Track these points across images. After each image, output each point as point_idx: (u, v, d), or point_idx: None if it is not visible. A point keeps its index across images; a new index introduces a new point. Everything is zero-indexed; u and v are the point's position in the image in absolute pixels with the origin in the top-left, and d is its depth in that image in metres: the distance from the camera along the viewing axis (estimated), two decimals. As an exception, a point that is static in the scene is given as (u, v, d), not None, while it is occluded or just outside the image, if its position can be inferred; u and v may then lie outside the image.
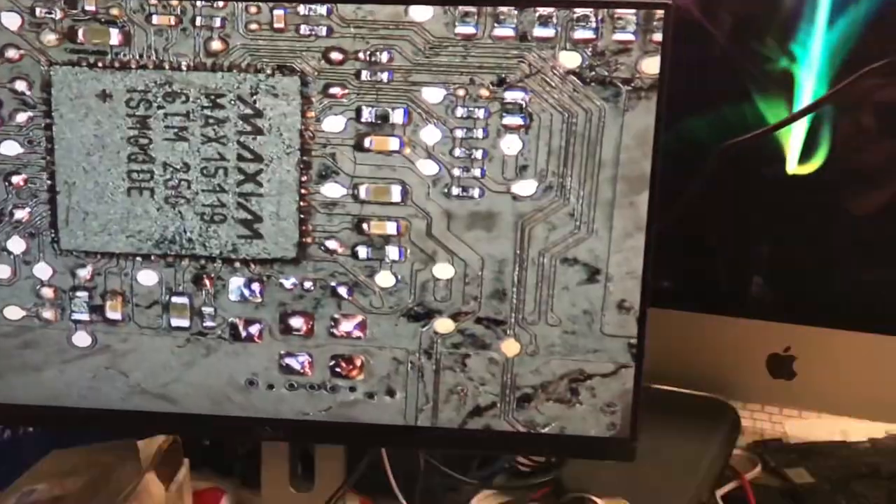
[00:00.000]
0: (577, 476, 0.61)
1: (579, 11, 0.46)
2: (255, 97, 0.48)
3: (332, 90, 0.48)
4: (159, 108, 0.48)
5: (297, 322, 0.50)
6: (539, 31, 0.46)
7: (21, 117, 0.49)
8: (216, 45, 0.47)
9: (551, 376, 0.50)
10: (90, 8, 0.48)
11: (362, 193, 0.49)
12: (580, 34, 0.46)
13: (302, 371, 0.51)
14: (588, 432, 0.50)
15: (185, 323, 0.51)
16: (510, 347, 0.50)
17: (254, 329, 0.51)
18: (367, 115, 0.48)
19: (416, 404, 0.51)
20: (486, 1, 0.46)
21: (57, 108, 0.49)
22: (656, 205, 0.48)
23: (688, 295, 0.71)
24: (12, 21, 0.48)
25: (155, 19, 0.48)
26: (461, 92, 0.47)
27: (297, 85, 0.48)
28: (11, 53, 0.48)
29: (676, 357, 0.72)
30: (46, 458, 0.57)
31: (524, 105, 0.47)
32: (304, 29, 0.47)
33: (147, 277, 0.50)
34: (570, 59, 0.47)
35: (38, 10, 0.47)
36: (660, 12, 0.46)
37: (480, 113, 0.47)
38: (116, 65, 0.48)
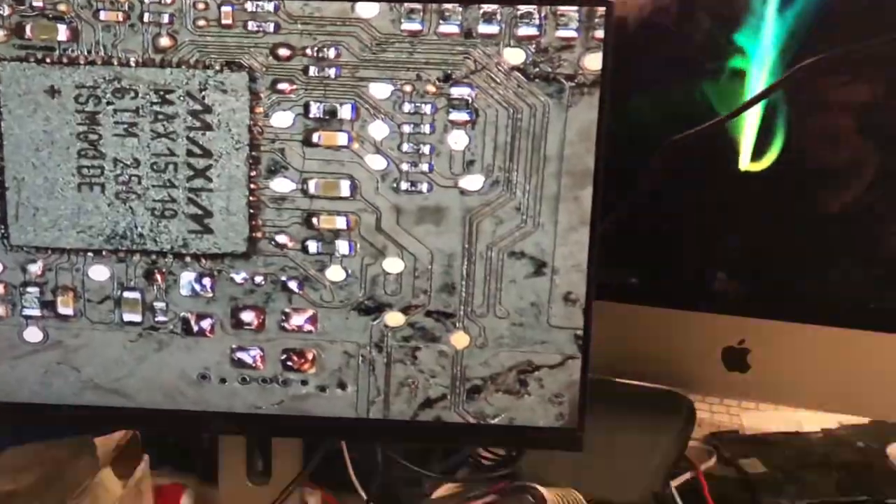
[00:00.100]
0: (533, 468, 0.62)
1: (523, 8, 0.47)
2: (203, 93, 0.48)
3: (281, 86, 0.48)
4: (108, 103, 0.48)
5: (248, 316, 0.51)
6: (483, 28, 0.47)
7: (-30, 113, 0.50)
8: (164, 41, 0.48)
9: (500, 368, 0.51)
10: (38, 4, 0.48)
11: (311, 188, 0.49)
12: (524, 31, 0.47)
13: (254, 365, 0.52)
14: (537, 423, 0.51)
15: (137, 318, 0.51)
16: (460, 340, 0.51)
17: (205, 323, 0.51)
18: (316, 110, 0.48)
19: (367, 397, 0.52)
20: (432, -2, 0.47)
21: (5, 104, 0.49)
22: (600, 199, 0.49)
23: (644, 289, 0.73)
24: (-40, 17, 0.48)
25: (103, 15, 0.48)
26: (408, 88, 0.48)
27: (245, 81, 0.48)
28: (-41, 49, 0.49)
29: (633, 351, 0.73)
30: None
31: (470, 101, 0.48)
32: (251, 25, 0.48)
33: (98, 273, 0.51)
34: (514, 56, 0.47)
35: (-15, 7, 0.48)
36: (601, 9, 0.47)
37: (427, 108, 0.48)
38: (65, 60, 0.48)
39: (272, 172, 0.49)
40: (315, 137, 0.49)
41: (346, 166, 0.49)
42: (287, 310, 0.51)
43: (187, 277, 0.51)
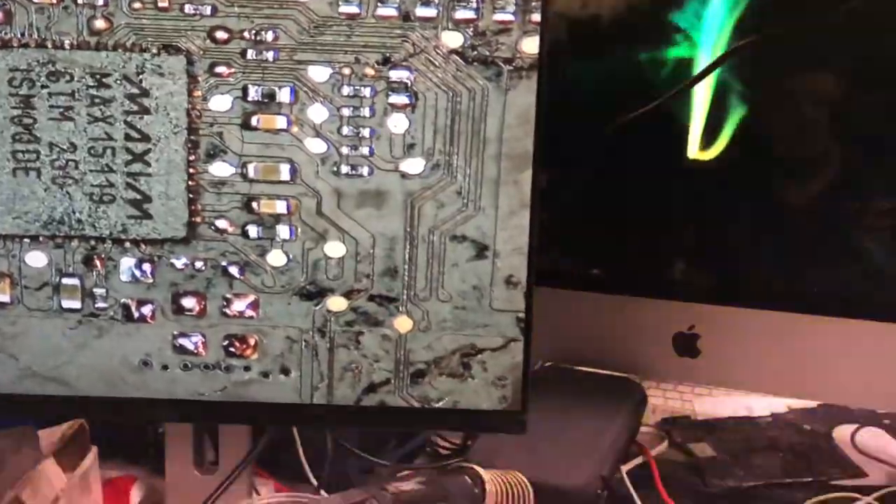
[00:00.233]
0: (484, 453, 0.62)
1: (460, -9, 0.47)
2: (141, 76, 0.48)
3: (218, 69, 0.48)
4: (43, 87, 0.48)
5: (189, 302, 0.50)
6: (421, 11, 0.47)
7: None
8: (100, 23, 0.47)
9: (443, 351, 0.51)
10: (-31, -15, 0.48)
11: (251, 172, 0.49)
12: (461, 14, 0.47)
13: (196, 351, 0.51)
14: (480, 406, 0.51)
15: (76, 304, 0.50)
16: (403, 324, 0.51)
17: (146, 310, 0.50)
18: (254, 93, 0.48)
19: (310, 382, 0.51)
20: (369, -20, 0.47)
21: (-63, 88, 0.48)
22: (539, 182, 0.49)
23: (595, 276, 0.73)
24: None
25: (36, -3, 0.48)
26: (347, 71, 0.48)
27: (182, 64, 0.48)
28: None
29: (586, 337, 0.74)
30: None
31: (409, 84, 0.48)
32: (188, 8, 0.47)
33: (36, 259, 0.50)
34: (452, 39, 0.47)
35: (-85, -12, 0.47)
36: (538, -7, 0.47)
37: (367, 91, 0.48)
38: (-2, 43, 0.48)
39: (211, 156, 0.49)
40: (254, 121, 0.48)
41: (286, 150, 0.49)
42: (228, 295, 0.50)
43: (127, 263, 0.50)
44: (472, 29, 0.47)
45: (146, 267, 0.50)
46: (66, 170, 0.49)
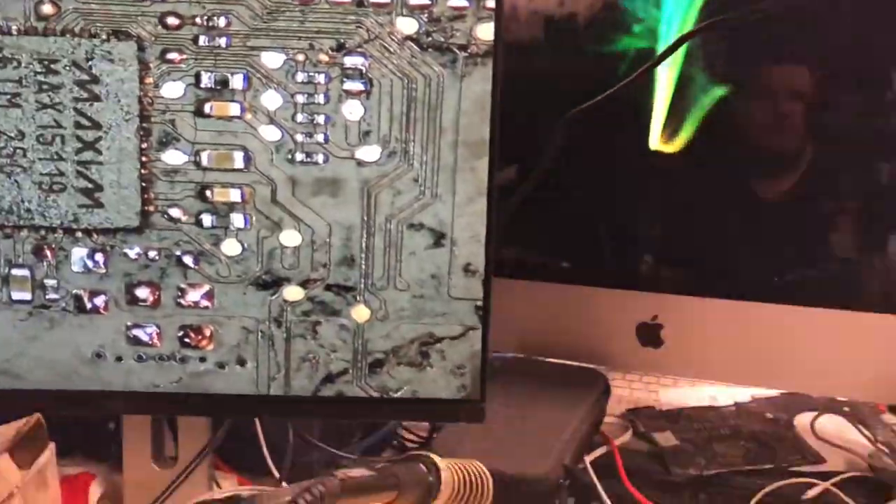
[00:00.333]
0: (447, 444, 0.62)
1: (414, -23, 0.47)
2: (90, 63, 0.47)
3: (170, 55, 0.47)
4: (-10, 73, 0.48)
5: (143, 292, 0.50)
6: (375, -3, 0.47)
7: None
8: (47, 8, 0.46)
9: (402, 341, 0.51)
10: (-88, -31, 0.47)
11: (204, 160, 0.48)
12: (416, 0, 0.47)
13: (150, 342, 0.50)
14: (439, 395, 0.51)
15: (26, 296, 0.49)
16: (360, 313, 0.50)
17: (99, 300, 0.50)
18: (207, 80, 0.47)
19: (267, 373, 0.51)
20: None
21: None
22: (496, 170, 0.49)
23: (559, 267, 0.74)
24: None
25: (-19, -19, 0.47)
26: (301, 57, 0.47)
27: (133, 50, 0.47)
28: None
29: (551, 328, 0.74)
30: None
31: (364, 70, 0.48)
32: (138, -7, 0.47)
33: (-16, 249, 0.50)
34: (407, 25, 0.47)
35: None
36: (492, -21, 0.47)
37: (321, 78, 0.48)
38: (-58, 29, 0.47)
39: (164, 144, 0.48)
40: (207, 108, 0.48)
41: (240, 137, 0.48)
42: (183, 285, 0.50)
43: (79, 253, 0.49)
44: (426, 15, 0.47)
45: (98, 257, 0.49)
46: (13, 158, 0.48)
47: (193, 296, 0.50)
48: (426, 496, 0.42)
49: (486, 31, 0.47)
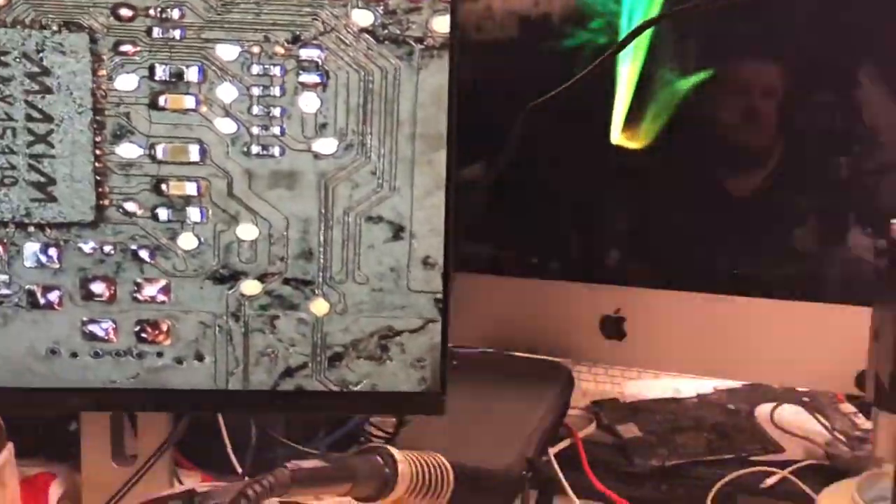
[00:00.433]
0: (411, 438, 0.62)
1: (369, -31, 0.47)
2: (41, 55, 0.46)
3: (123, 47, 0.47)
4: (-62, 65, 0.47)
5: (98, 287, 0.49)
6: (331, -11, 0.47)
7: None
8: (-4, -1, 0.46)
9: (361, 334, 0.51)
10: None
11: (159, 153, 0.48)
12: (371, -8, 0.48)
13: (106, 338, 0.50)
14: (399, 388, 0.51)
15: (-22, 292, 0.49)
16: (319, 307, 0.50)
17: (53, 296, 0.49)
18: (161, 72, 0.47)
19: (226, 368, 0.50)
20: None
21: None
22: (454, 162, 0.49)
23: (522, 262, 0.74)
24: None
25: (-72, -28, 0.46)
26: (256, 49, 0.47)
27: (85, 42, 0.46)
28: None
29: (516, 322, 0.74)
30: None
31: (320, 63, 0.48)
32: (90, -16, 0.47)
33: (-66, 245, 0.49)
34: (362, 17, 0.47)
35: None
36: (447, -29, 0.47)
37: (277, 70, 0.47)
38: None
39: (118, 137, 0.48)
40: (161, 101, 0.47)
41: (195, 130, 0.48)
42: (139, 280, 0.49)
43: (31, 248, 0.48)
44: (382, 7, 0.47)
45: (52, 252, 0.49)
46: (-36, 152, 0.48)
47: (150, 290, 0.50)
48: (382, 488, 0.42)
49: (441, 24, 0.47)
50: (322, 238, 0.49)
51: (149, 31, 0.47)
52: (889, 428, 0.38)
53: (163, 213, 0.48)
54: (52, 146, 0.47)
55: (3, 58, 0.46)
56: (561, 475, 0.62)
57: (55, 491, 0.65)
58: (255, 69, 0.47)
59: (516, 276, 0.72)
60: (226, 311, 0.50)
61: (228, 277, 0.50)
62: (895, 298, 0.37)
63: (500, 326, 0.76)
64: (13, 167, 0.48)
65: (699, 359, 0.72)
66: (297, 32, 0.47)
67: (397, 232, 0.50)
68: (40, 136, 0.47)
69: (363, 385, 0.51)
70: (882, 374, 0.38)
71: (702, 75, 0.68)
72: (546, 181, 0.70)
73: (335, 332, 0.51)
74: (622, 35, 0.67)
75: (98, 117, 0.47)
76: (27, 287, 0.49)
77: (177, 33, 0.47)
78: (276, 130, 0.48)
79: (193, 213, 0.49)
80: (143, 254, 0.49)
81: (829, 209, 0.68)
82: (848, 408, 0.71)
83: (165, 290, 0.49)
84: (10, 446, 0.61)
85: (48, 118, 0.47)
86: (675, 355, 0.72)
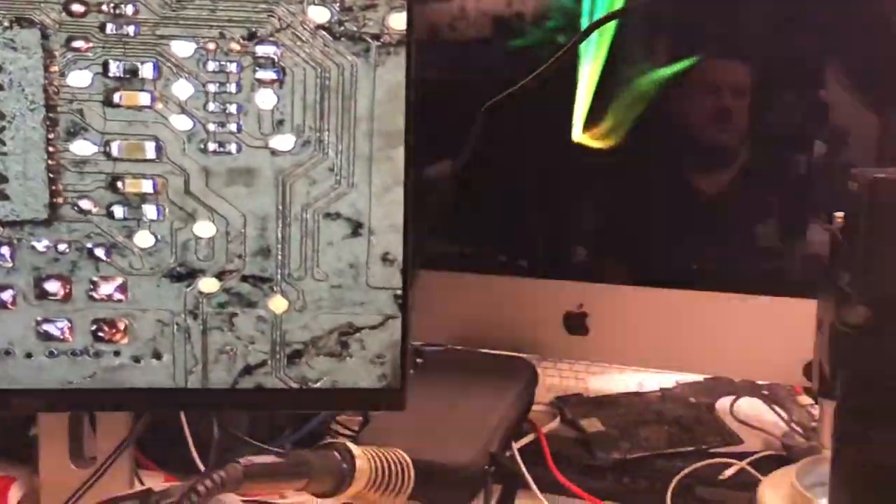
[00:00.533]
0: (375, 435, 0.62)
1: (325, -34, 0.47)
2: (-8, 51, 0.47)
3: (76, 43, 0.46)
4: None
5: (53, 286, 0.49)
6: (287, -15, 0.47)
7: None
8: (-55, -6, 0.46)
9: (320, 331, 0.51)
10: None
11: (114, 150, 0.48)
12: (327, -11, 0.48)
13: (62, 337, 0.49)
14: (359, 384, 0.51)
15: (-71, 292, 0.49)
16: (278, 304, 0.50)
17: (6, 295, 0.48)
18: (115, 69, 0.47)
19: (184, 366, 0.50)
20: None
21: None
22: (412, 159, 0.50)
23: (486, 258, 0.74)
24: None
25: None
26: (212, 46, 0.47)
27: (37, 38, 0.46)
28: None
29: (480, 319, 0.74)
30: None
31: (276, 59, 0.48)
32: (41, -21, 0.46)
33: None
34: (319, 14, 0.47)
35: None
36: (403, -32, 0.47)
37: (233, 67, 0.47)
38: None
39: (71, 134, 0.47)
40: (116, 97, 0.47)
41: (151, 127, 0.47)
42: (95, 278, 0.49)
43: (-17, 247, 0.49)
44: (338, 4, 0.47)
45: (4, 250, 0.48)
46: (-87, 149, 0.47)
47: (106, 289, 0.49)
48: (339, 483, 0.42)
49: (398, 21, 0.47)
50: (280, 235, 0.49)
51: (102, 27, 0.46)
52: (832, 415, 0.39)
53: (118, 211, 0.48)
54: (4, 143, 0.47)
55: (-48, 54, 0.46)
56: (524, 469, 0.62)
57: (14, 494, 0.64)
58: (211, 66, 0.47)
59: (481, 274, 0.73)
60: (184, 309, 0.50)
61: (186, 275, 0.49)
62: (834, 289, 0.38)
63: (465, 324, 0.77)
64: (-36, 165, 0.47)
65: (661, 353, 0.73)
66: (253, 29, 0.47)
67: (356, 228, 0.50)
68: (-8, 134, 0.47)
69: (323, 382, 0.51)
70: (824, 363, 0.39)
71: (663, 73, 0.69)
72: (510, 179, 0.71)
73: (294, 329, 0.51)
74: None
75: (51, 114, 0.47)
76: (-21, 286, 0.49)
77: (131, 29, 0.46)
78: (233, 127, 0.48)
79: (150, 211, 0.48)
80: (99, 252, 0.48)
81: (789, 207, 0.69)
82: (805, 399, 0.72)
83: (122, 288, 0.49)
84: (-33, 450, 0.61)
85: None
86: (638, 350, 0.73)
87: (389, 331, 0.51)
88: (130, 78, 0.47)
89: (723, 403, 0.72)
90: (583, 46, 0.68)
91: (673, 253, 0.71)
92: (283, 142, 0.48)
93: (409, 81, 0.48)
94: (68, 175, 0.47)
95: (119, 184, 0.48)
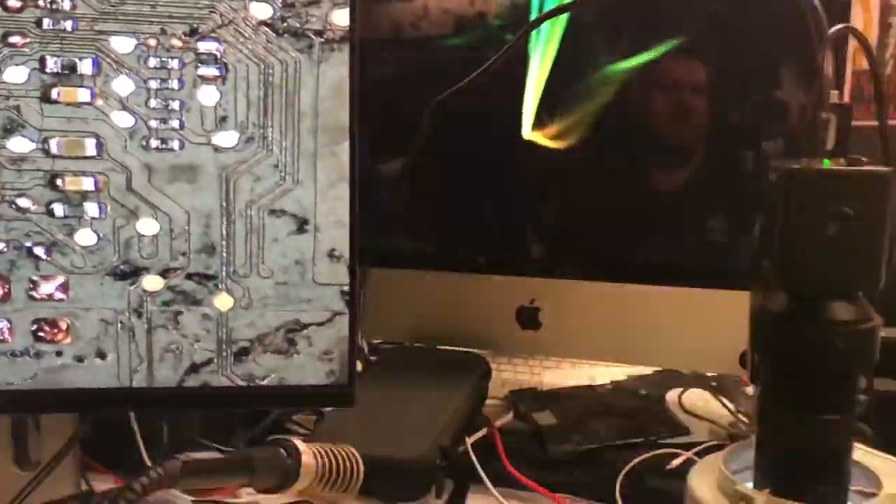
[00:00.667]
0: (328, 432, 0.62)
1: (266, -38, 0.47)
2: (-76, 46, 0.46)
3: (12, 39, 0.45)
4: None
5: (-9, 286, 0.48)
6: (228, -19, 0.47)
7: None
8: None
9: (267, 328, 0.50)
10: None
11: (53, 148, 0.47)
12: (269, -15, 0.47)
13: (1, 338, 0.48)
14: (307, 381, 0.51)
15: None
16: (223, 302, 0.50)
17: (-58, 296, 0.48)
18: (53, 65, 0.46)
19: (129, 365, 0.50)
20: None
21: None
22: (357, 155, 0.50)
23: (439, 255, 0.75)
24: None
25: None
26: (152, 42, 0.47)
27: (-29, 33, 0.46)
28: None
29: (434, 316, 0.75)
30: None
31: (219, 56, 0.47)
32: (-25, -27, 0.45)
33: None
34: (261, 11, 0.47)
35: None
36: (345, -35, 0.48)
37: (174, 63, 0.47)
38: None
39: (8, 131, 0.46)
40: (54, 94, 0.46)
41: (91, 124, 0.47)
42: (35, 277, 0.48)
43: (-82, 247, 0.48)
44: (280, 0, 0.47)
45: (-60, 250, 0.48)
46: None
47: (47, 288, 0.48)
48: (284, 479, 0.42)
49: (341, 17, 0.47)
50: (224, 232, 0.49)
51: (38, 23, 0.45)
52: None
53: (59, 209, 0.47)
54: (-62, 141, 0.46)
55: None
56: (477, 463, 0.63)
57: (-42, 500, 0.63)
58: (153, 62, 0.47)
59: (434, 271, 0.73)
60: (128, 307, 0.49)
61: (130, 273, 0.49)
62: (758, 278, 0.39)
63: (420, 321, 0.77)
64: None
65: (613, 347, 0.74)
66: (195, 25, 0.47)
67: (301, 225, 0.50)
68: (-75, 131, 0.46)
69: (270, 379, 0.51)
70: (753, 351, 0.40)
71: (614, 69, 0.70)
72: (462, 176, 0.71)
73: (240, 326, 0.50)
74: (535, 33, 0.69)
75: (-13, 111, 0.46)
76: (-85, 287, 0.48)
77: (68, 24, 0.46)
78: (175, 124, 0.47)
79: (91, 209, 0.48)
80: (39, 251, 0.48)
81: (738, 202, 0.70)
82: (752, 390, 0.74)
83: (63, 287, 0.48)
84: None
85: (-67, 112, 0.46)
86: (590, 344, 0.74)
87: (337, 327, 0.51)
88: (69, 74, 0.46)
89: (672, 395, 0.74)
90: (532, 43, 0.69)
91: (624, 248, 0.72)
92: (227, 138, 0.48)
93: (354, 77, 0.48)
94: (5, 173, 0.47)
95: (59, 181, 0.47)
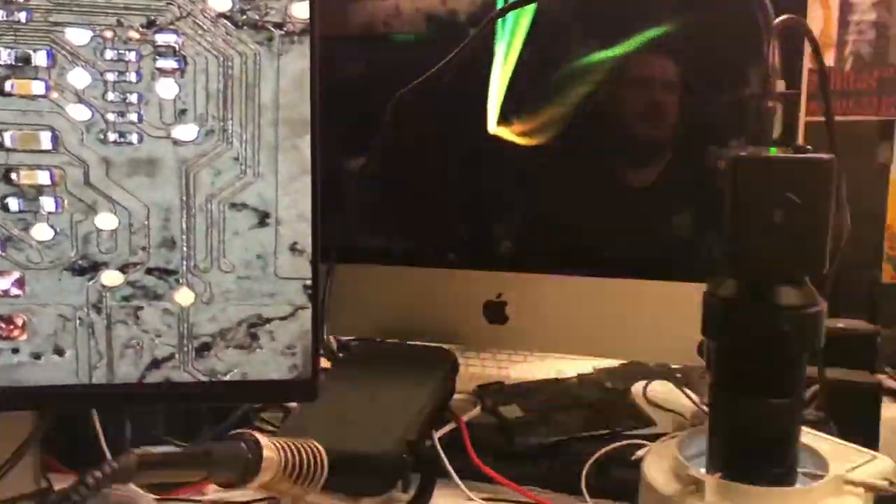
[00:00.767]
0: (294, 427, 0.62)
1: (224, -47, 0.47)
2: None
3: (-36, 30, 0.45)
4: None
5: (-56, 282, 0.48)
6: (185, -27, 0.47)
7: None
8: None
9: (229, 323, 0.50)
10: None
11: (7, 141, 0.46)
12: (228, -23, 0.47)
13: (-45, 335, 0.48)
14: (270, 376, 0.51)
15: None
16: (184, 297, 0.49)
17: None
18: (6, 57, 0.45)
19: (88, 361, 0.49)
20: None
21: None
22: (319, 147, 0.50)
23: (406, 251, 0.75)
24: None
25: None
26: (109, 34, 0.46)
27: (-79, 24, 0.45)
28: None
29: (402, 311, 0.75)
30: None
31: (177, 48, 0.47)
32: (-75, -37, 0.45)
33: None
34: (219, 3, 0.47)
35: None
36: (304, -43, 0.47)
37: (132, 56, 0.47)
38: None
39: (-39, 124, 0.46)
40: (8, 86, 0.46)
41: (46, 117, 0.46)
42: (-11, 273, 0.48)
43: None
44: (239, -8, 0.47)
45: None
46: None
47: (2, 284, 0.47)
48: (244, 474, 0.42)
49: (301, 10, 0.47)
50: (184, 226, 0.49)
51: (-8, 14, 0.45)
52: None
53: (13, 203, 0.47)
54: None
55: None
56: (444, 457, 0.63)
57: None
58: (109, 54, 0.46)
59: (401, 266, 0.73)
60: (86, 303, 0.48)
61: (88, 268, 0.48)
62: (710, 264, 0.40)
63: (388, 315, 0.77)
64: None
65: (578, 340, 0.74)
66: (152, 17, 0.46)
67: (263, 218, 0.49)
68: None
69: (233, 374, 0.51)
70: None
71: (579, 64, 0.70)
72: (428, 171, 0.71)
73: (202, 321, 0.50)
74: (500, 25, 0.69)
75: (-62, 103, 0.46)
76: None
77: (22, 16, 0.45)
78: (134, 117, 0.47)
79: (47, 203, 0.47)
80: (-7, 246, 0.48)
81: (698, 197, 0.71)
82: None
83: (19, 283, 0.48)
84: None
85: None
86: (555, 337, 0.75)
87: (300, 321, 0.51)
88: (23, 66, 0.45)
89: (637, 388, 0.74)
90: (498, 37, 0.69)
91: (590, 242, 0.72)
92: (186, 131, 0.48)
93: (314, 70, 0.48)
94: (-42, 167, 0.46)
95: (13, 175, 0.46)
